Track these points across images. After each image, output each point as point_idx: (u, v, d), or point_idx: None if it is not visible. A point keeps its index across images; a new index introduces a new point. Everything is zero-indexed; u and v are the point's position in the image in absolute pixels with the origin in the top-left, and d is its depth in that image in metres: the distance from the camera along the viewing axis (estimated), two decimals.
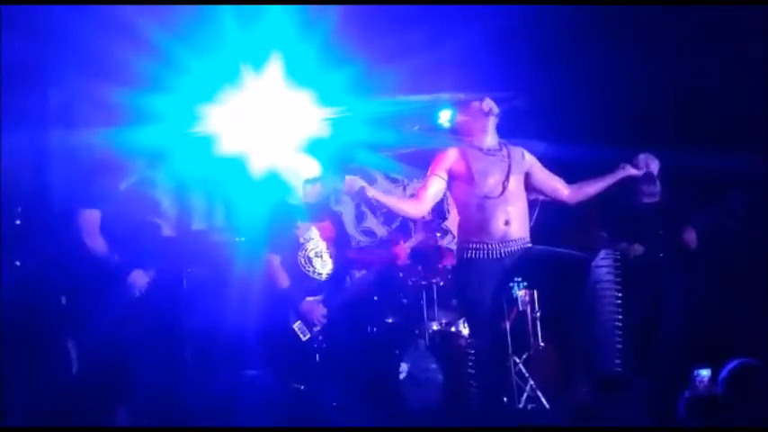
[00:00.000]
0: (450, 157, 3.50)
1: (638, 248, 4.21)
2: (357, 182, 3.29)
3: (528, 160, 3.60)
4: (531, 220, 4.84)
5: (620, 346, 3.21)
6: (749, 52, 4.23)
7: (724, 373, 2.98)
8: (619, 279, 3.23)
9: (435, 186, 3.48)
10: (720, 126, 4.44)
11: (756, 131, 4.33)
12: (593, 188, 3.62)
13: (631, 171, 3.57)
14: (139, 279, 3.87)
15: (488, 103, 3.51)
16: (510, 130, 3.91)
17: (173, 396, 4.02)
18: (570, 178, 5.05)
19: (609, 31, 4.46)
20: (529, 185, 3.56)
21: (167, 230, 5.15)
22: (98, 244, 3.81)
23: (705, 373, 3.44)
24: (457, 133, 3.65)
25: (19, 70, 4.10)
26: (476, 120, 3.52)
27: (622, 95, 4.71)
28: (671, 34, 4.37)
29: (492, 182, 3.43)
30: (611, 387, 3.26)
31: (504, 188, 3.40)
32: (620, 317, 3.20)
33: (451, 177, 3.51)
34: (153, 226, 4.87)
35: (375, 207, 5.71)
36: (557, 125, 4.90)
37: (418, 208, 3.53)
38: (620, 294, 3.22)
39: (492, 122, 3.54)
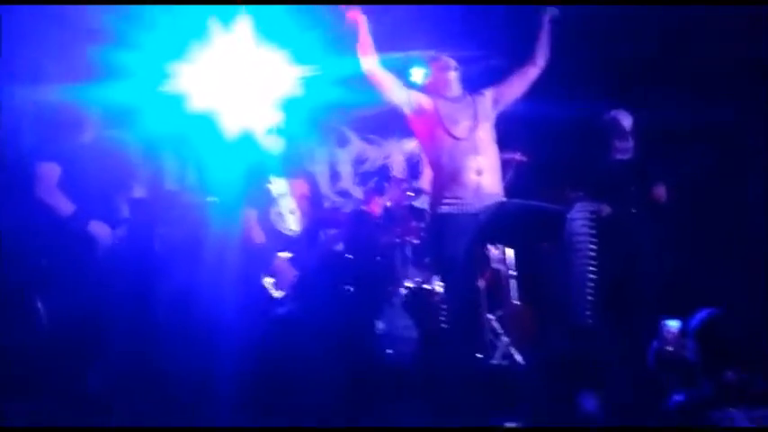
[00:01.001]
0: (421, 96, 3.49)
1: (607, 209, 4.25)
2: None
3: (489, 96, 3.60)
4: (505, 179, 4.91)
5: (591, 298, 3.23)
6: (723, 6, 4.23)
7: (693, 323, 3.01)
8: (593, 231, 3.24)
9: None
10: (693, 80, 4.45)
11: (729, 85, 4.35)
12: (538, 49, 3.60)
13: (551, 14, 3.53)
14: (100, 230, 3.79)
15: (446, 59, 3.51)
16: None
17: (145, 357, 4.00)
18: (546, 133, 5.08)
19: None
20: (506, 101, 3.54)
21: (139, 190, 5.09)
22: (56, 199, 3.72)
23: (674, 324, 3.49)
24: (424, 91, 3.65)
25: None
26: (438, 74, 3.52)
27: (597, 50, 4.69)
28: None
29: (460, 125, 3.43)
30: (582, 339, 3.29)
31: (474, 130, 3.40)
32: (594, 269, 3.21)
33: (419, 120, 3.50)
34: (124, 185, 4.81)
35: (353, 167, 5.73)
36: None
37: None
38: (594, 247, 3.23)
39: (453, 76, 3.55)
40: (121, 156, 4.90)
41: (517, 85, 3.60)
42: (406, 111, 3.57)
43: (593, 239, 3.23)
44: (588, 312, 3.24)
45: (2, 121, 3.81)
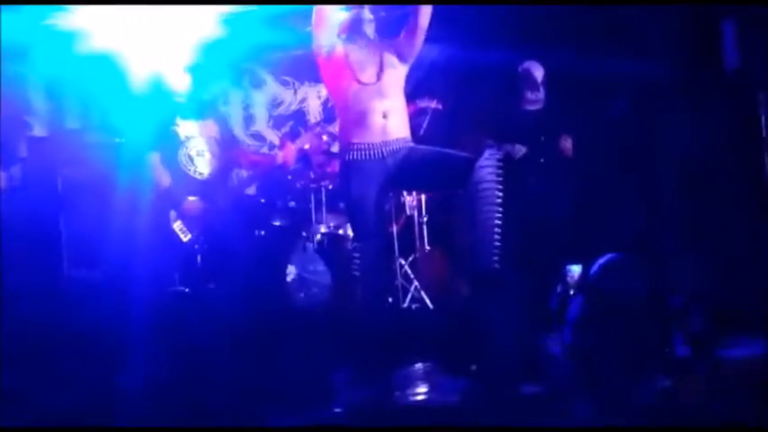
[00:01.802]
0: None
1: (521, 149, 4.31)
2: None
3: (396, 44, 3.53)
4: (421, 128, 4.91)
5: (498, 244, 3.29)
6: None
7: (594, 267, 3.11)
8: (501, 179, 3.28)
9: None
10: (605, 30, 4.51)
11: (639, 36, 4.43)
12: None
13: None
14: None
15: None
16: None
17: (46, 302, 3.87)
18: (461, 82, 5.09)
19: None
20: (409, 56, 3.49)
21: (38, 129, 4.85)
22: None
23: (576, 268, 3.61)
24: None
25: None
26: (354, 14, 3.45)
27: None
28: None
29: (367, 71, 3.39)
30: (487, 284, 3.35)
31: (379, 78, 3.37)
32: (500, 216, 3.26)
33: (328, 65, 3.44)
34: (22, 123, 4.57)
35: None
36: (448, 31, 4.85)
37: None
38: (500, 194, 3.27)
39: (368, 17, 3.48)
40: (21, 94, 4.65)
41: (411, 38, 3.52)
42: (322, 53, 3.48)
43: (500, 186, 3.27)
44: (495, 258, 3.30)
45: None
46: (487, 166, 3.31)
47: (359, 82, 3.38)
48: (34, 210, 4.16)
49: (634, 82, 4.50)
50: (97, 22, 4.58)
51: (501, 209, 3.33)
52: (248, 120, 5.57)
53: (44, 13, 4.36)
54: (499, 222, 3.30)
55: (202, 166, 4.14)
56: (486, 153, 3.29)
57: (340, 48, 3.46)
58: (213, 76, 4.94)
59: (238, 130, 5.37)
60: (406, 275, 4.78)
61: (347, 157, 3.46)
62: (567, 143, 4.31)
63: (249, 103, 5.57)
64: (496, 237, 3.30)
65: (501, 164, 3.35)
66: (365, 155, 3.42)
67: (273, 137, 5.49)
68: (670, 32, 4.46)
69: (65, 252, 4.53)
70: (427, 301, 4.66)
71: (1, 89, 3.98)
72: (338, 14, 3.51)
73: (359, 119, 3.38)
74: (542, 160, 4.41)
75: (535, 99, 4.47)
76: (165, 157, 4.10)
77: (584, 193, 4.46)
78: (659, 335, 3.09)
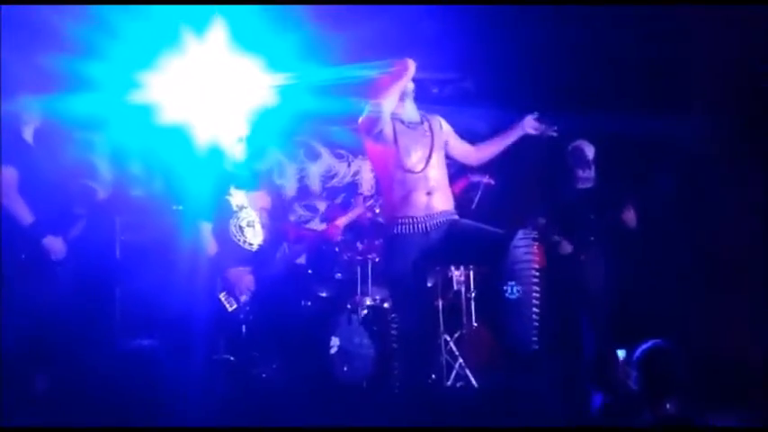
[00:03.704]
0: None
1: (568, 247, 4.28)
2: None
3: (445, 130, 3.62)
4: (473, 203, 4.91)
5: (537, 324, 3.22)
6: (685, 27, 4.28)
7: (637, 353, 3.01)
8: (536, 258, 3.24)
9: None
10: (653, 104, 4.48)
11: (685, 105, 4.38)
12: (493, 147, 3.68)
13: (529, 128, 3.58)
14: (54, 245, 3.77)
15: (409, 63, 3.43)
16: (458, 110, 3.92)
17: (96, 365, 3.96)
18: (513, 159, 5.10)
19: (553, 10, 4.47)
20: (454, 155, 3.59)
21: (102, 195, 5.06)
22: (16, 205, 3.69)
23: (619, 353, 3.48)
24: (376, 91, 3.52)
25: None
26: (394, 79, 3.43)
27: (563, 73, 4.73)
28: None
29: (415, 158, 3.43)
30: (526, 365, 3.28)
31: (427, 164, 3.41)
32: (537, 296, 3.20)
33: (376, 147, 3.49)
34: (86, 189, 4.78)
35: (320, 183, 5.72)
36: (503, 105, 4.90)
37: None
38: (537, 274, 3.23)
39: (411, 88, 3.52)
40: (88, 160, 4.87)
41: (459, 150, 3.65)
42: (375, 130, 3.49)
43: (536, 266, 3.23)
44: (534, 339, 3.23)
45: None
46: (522, 246, 3.28)
47: (405, 169, 3.41)
48: (90, 273, 4.30)
49: (683, 153, 4.44)
50: (163, 94, 4.81)
51: (538, 288, 3.27)
52: (302, 191, 5.69)
53: (121, 90, 4.60)
54: (537, 302, 3.25)
55: (252, 236, 4.23)
56: (521, 233, 3.26)
57: (389, 127, 3.48)
58: (269, 148, 5.09)
59: (292, 201, 5.48)
60: (451, 352, 4.70)
61: (391, 231, 3.49)
62: (629, 214, 4.23)
63: (304, 174, 5.71)
64: (535, 317, 3.24)
65: (534, 243, 3.32)
66: (409, 228, 3.44)
67: (325, 207, 5.58)
68: (719, 98, 4.40)
69: (118, 318, 4.66)
70: (472, 379, 4.56)
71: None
72: (397, 88, 3.46)
73: (403, 197, 3.42)
74: (592, 239, 4.35)
75: (586, 177, 4.46)
76: (216, 225, 4.20)
77: (632, 275, 4.36)
78: None
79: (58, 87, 4.19)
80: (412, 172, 3.40)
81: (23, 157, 3.78)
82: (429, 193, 3.42)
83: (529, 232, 3.29)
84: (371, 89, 3.54)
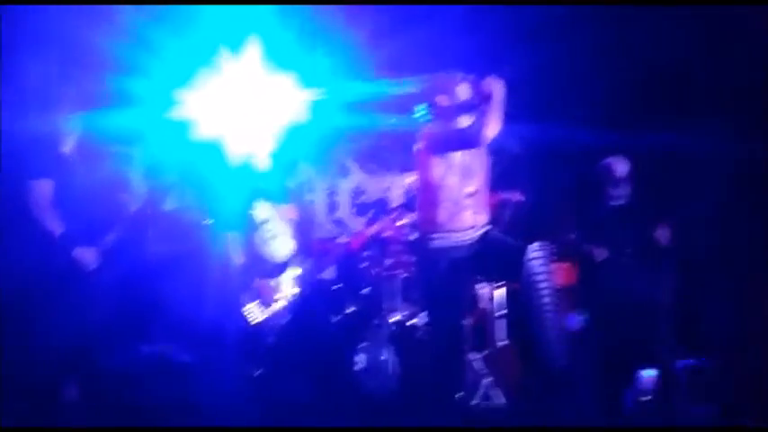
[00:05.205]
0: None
1: (603, 252, 4.22)
2: None
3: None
4: (506, 219, 4.88)
5: (561, 338, 3.18)
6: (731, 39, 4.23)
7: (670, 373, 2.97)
8: (551, 271, 3.19)
9: None
10: (690, 120, 4.43)
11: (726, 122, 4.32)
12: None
13: None
14: (86, 255, 3.83)
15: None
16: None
17: (131, 376, 4.02)
18: (545, 176, 5.07)
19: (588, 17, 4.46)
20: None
21: (135, 207, 5.14)
22: (47, 216, 3.75)
23: (650, 373, 3.41)
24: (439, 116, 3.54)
25: None
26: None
27: (596, 84, 4.71)
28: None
29: (467, 173, 3.45)
30: (554, 382, 3.24)
31: (477, 179, 3.40)
32: (553, 309, 3.15)
33: (431, 160, 3.47)
34: (120, 201, 4.86)
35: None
36: (534, 115, 4.88)
37: None
38: (550, 285, 3.18)
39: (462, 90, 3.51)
40: (122, 173, 4.95)
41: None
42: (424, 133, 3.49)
43: (551, 279, 3.18)
44: (559, 356, 3.19)
45: (6, 148, 3.85)
46: (537, 258, 3.25)
47: (455, 184, 3.41)
48: (121, 285, 4.36)
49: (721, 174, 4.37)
50: (199, 110, 4.89)
51: (554, 301, 3.23)
52: (332, 206, 5.72)
53: (158, 106, 4.70)
54: (552, 316, 3.20)
55: (277, 248, 4.25)
56: (537, 245, 3.23)
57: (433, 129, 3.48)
58: (301, 163, 5.14)
59: (322, 217, 5.51)
60: (478, 370, 4.65)
61: (426, 245, 3.49)
62: (664, 232, 4.17)
63: (334, 190, 5.74)
64: (558, 333, 3.20)
65: (551, 255, 3.28)
66: (440, 244, 3.44)
67: (355, 224, 5.59)
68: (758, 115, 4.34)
69: (151, 326, 4.71)
70: (499, 398, 4.50)
71: None
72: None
73: (450, 212, 3.41)
74: (626, 257, 4.29)
75: (619, 195, 4.41)
76: (243, 238, 4.24)
77: (669, 290, 4.28)
78: None
79: (98, 103, 4.29)
80: (463, 187, 3.39)
81: (60, 169, 3.86)
82: (472, 208, 3.42)
83: (546, 244, 3.25)
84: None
